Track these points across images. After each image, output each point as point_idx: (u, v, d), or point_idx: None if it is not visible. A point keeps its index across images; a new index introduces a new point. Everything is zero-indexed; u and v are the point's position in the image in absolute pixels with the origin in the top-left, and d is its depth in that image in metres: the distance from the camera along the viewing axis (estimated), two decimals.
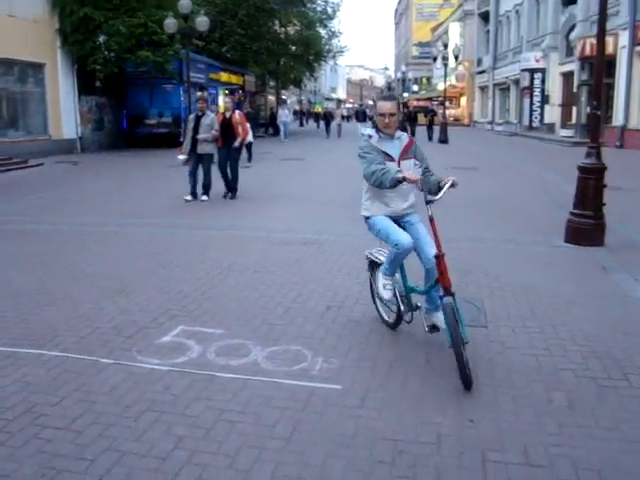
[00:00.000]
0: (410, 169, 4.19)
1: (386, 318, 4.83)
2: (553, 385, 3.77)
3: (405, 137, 4.37)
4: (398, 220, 4.36)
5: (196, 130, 11.46)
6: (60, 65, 23.27)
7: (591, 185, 7.36)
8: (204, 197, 11.71)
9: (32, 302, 5.50)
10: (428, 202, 3.97)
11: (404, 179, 3.91)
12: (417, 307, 4.46)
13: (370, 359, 4.22)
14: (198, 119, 11.53)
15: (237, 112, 12.28)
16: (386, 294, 4.47)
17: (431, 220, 3.92)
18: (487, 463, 2.95)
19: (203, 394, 3.70)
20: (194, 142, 11.48)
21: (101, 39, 23.29)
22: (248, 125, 12.82)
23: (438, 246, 3.91)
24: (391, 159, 4.23)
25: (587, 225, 7.37)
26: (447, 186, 4.02)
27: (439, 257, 3.89)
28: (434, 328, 4.32)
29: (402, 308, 4.51)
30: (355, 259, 6.95)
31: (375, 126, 4.36)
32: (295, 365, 4.12)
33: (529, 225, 8.93)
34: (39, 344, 4.48)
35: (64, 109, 23.57)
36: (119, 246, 7.85)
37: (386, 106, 4.24)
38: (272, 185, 14.20)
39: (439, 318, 4.22)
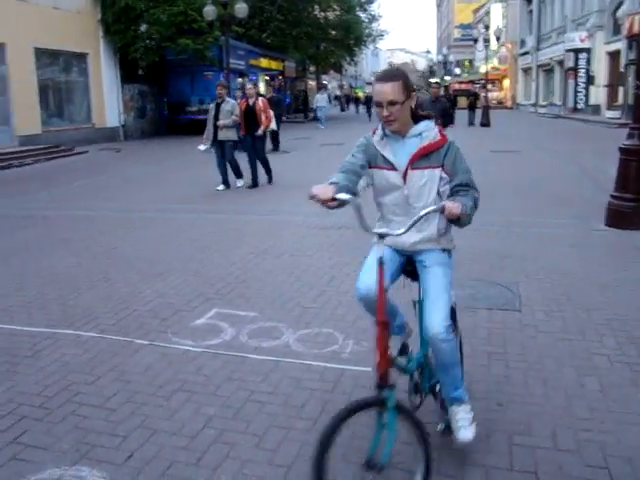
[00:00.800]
0: (430, 184, 2.79)
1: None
2: (586, 370, 3.72)
3: (431, 134, 2.80)
4: (412, 257, 2.97)
5: (217, 118, 11.30)
6: (103, 54, 23.72)
7: (633, 167, 7.16)
8: (239, 183, 11.70)
9: (72, 285, 5.66)
10: (382, 236, 2.60)
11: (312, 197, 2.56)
12: (432, 389, 3.11)
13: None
14: (218, 106, 11.38)
15: (260, 99, 12.15)
16: None
17: (380, 265, 2.56)
18: (514, 447, 2.94)
19: (235, 375, 3.77)
20: (216, 130, 11.34)
21: (142, 28, 23.60)
22: (271, 112, 12.67)
23: (380, 309, 2.53)
24: (391, 168, 2.83)
25: (628, 208, 7.18)
26: (416, 218, 2.58)
27: (380, 324, 2.53)
28: (449, 429, 2.91)
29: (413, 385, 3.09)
30: None
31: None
32: (326, 347, 4.15)
33: (570, 208, 8.76)
34: (77, 325, 4.63)
35: (107, 98, 24.04)
36: (158, 231, 8.00)
37: (382, 90, 2.71)
38: (310, 171, 14.21)
39: (452, 416, 2.90)
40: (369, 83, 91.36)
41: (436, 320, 2.69)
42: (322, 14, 41.18)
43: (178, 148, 21.53)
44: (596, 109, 33.09)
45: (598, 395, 3.41)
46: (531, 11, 47.82)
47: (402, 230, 2.61)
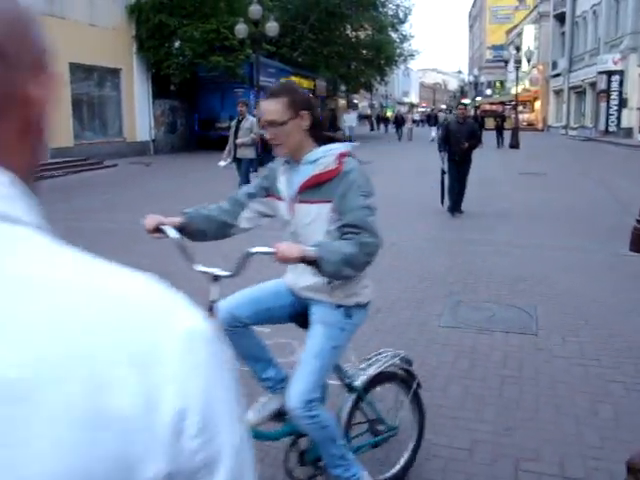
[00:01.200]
0: (319, 222, 2.30)
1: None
2: (600, 397, 3.65)
3: (326, 161, 2.28)
4: (307, 305, 2.50)
5: (237, 135, 11.23)
6: (136, 70, 24.16)
7: None
8: None
9: None
10: (216, 278, 2.27)
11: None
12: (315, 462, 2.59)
13: (415, 362, 4.18)
14: (239, 123, 11.33)
15: None
16: (250, 415, 2.70)
17: (210, 310, 2.24)
18: (520, 472, 2.89)
19: (244, 390, 3.76)
20: (237, 147, 11.25)
21: (175, 45, 24.04)
22: None
23: None
24: (279, 198, 2.43)
25: None
26: (241, 256, 2.24)
27: None
28: None
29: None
30: (407, 264, 6.91)
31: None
32: None
33: (595, 232, 8.64)
34: None
35: (139, 112, 24.45)
36: None
37: (263, 108, 2.32)
38: None
39: None
40: (400, 103, 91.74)
41: (293, 392, 2.29)
42: (354, 34, 41.49)
43: (206, 163, 21.75)
44: (628, 132, 32.71)
45: (611, 423, 3.34)
46: (564, 33, 47.62)
47: (228, 273, 2.23)
